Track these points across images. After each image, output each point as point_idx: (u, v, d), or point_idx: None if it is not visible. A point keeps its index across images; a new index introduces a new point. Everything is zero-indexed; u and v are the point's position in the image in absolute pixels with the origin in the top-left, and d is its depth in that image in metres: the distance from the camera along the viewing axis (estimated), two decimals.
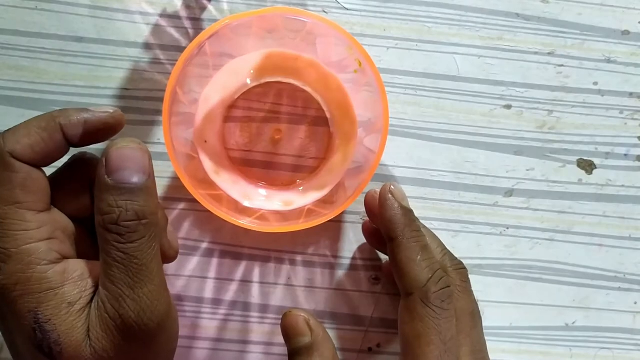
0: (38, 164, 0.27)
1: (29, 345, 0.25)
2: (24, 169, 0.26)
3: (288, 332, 0.29)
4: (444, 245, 0.32)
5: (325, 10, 0.36)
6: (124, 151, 0.25)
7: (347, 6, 0.36)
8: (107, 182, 0.25)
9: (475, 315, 0.31)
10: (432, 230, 0.33)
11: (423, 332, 0.29)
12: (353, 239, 0.36)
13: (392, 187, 0.30)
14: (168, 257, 0.31)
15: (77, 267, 0.26)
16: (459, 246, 0.36)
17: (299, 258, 0.36)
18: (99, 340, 0.25)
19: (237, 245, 0.36)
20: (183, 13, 0.36)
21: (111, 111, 0.28)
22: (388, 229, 0.30)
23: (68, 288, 0.26)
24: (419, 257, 0.29)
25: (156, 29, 0.36)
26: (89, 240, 0.30)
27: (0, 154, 0.26)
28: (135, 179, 0.25)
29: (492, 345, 0.36)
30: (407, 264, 0.29)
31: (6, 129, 0.34)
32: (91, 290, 0.26)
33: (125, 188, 0.25)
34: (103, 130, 0.27)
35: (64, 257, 0.27)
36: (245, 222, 0.31)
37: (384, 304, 0.36)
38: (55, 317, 0.25)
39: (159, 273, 0.26)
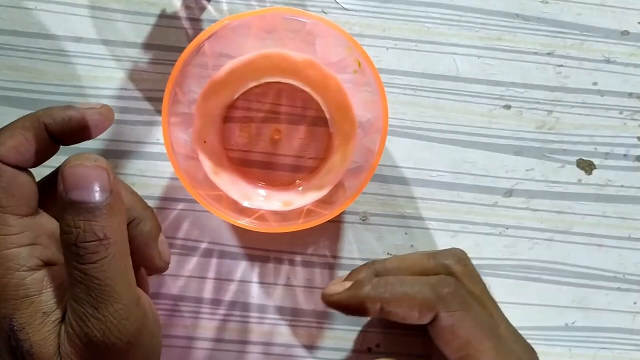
0: (24, 165, 0.26)
1: (6, 351, 0.25)
2: (8, 173, 0.25)
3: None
4: (424, 253, 0.33)
5: (325, 11, 0.36)
6: (78, 170, 0.23)
7: (346, 7, 0.36)
8: (65, 200, 0.23)
9: (488, 291, 0.32)
10: (431, 231, 0.34)
11: (471, 336, 0.30)
12: (353, 239, 0.36)
13: (330, 288, 0.32)
14: (157, 268, 0.30)
15: (59, 275, 0.26)
16: (458, 246, 0.36)
17: (298, 258, 0.36)
18: (68, 356, 0.24)
19: (236, 246, 0.36)
20: (182, 13, 0.36)
21: (98, 107, 0.27)
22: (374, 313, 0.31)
23: (45, 297, 0.25)
24: (409, 289, 0.30)
25: (156, 29, 0.36)
26: None
27: None
28: (93, 199, 0.23)
29: None
30: (409, 303, 0.30)
31: None
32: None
33: (83, 208, 0.23)
34: (91, 127, 0.27)
35: (48, 264, 0.26)
36: (244, 223, 0.31)
37: None
38: (29, 327, 0.25)
39: (128, 291, 0.25)
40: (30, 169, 0.27)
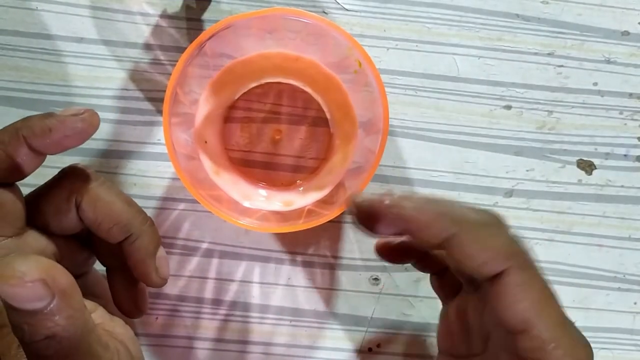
0: (7, 181, 0.25)
1: None
2: None
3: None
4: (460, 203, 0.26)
5: (325, 11, 0.36)
6: (4, 289, 0.20)
7: (347, 7, 0.36)
8: (4, 301, 0.20)
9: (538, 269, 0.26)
10: None
11: (539, 299, 0.23)
12: (353, 239, 0.36)
13: (356, 199, 0.25)
14: (153, 284, 0.29)
15: None
16: None
17: (299, 258, 0.36)
18: None
19: (237, 246, 0.36)
20: (183, 14, 0.36)
21: (80, 112, 0.25)
22: (431, 237, 0.24)
23: None
24: (489, 240, 0.24)
25: (156, 29, 0.36)
26: (84, 253, 0.29)
27: None
28: (30, 307, 0.20)
29: None
30: (478, 250, 0.24)
31: None
32: None
33: (22, 312, 0.20)
34: (73, 136, 0.25)
35: None
36: (245, 223, 0.31)
37: (384, 304, 0.36)
38: (4, 357, 0.24)
39: None
40: (16, 182, 0.26)
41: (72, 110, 0.25)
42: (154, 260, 0.29)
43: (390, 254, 0.30)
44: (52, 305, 0.21)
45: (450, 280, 0.30)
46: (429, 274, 0.31)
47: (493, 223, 0.25)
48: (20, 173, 0.25)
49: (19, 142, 0.25)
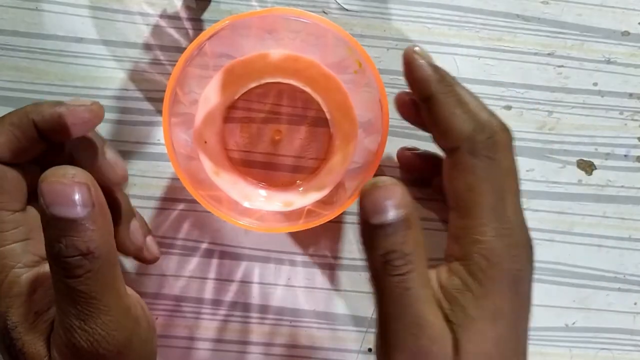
0: (13, 161, 0.26)
1: (3, 348, 0.25)
2: (2, 168, 0.26)
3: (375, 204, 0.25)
4: (487, 107, 0.29)
5: (325, 11, 0.36)
6: (54, 186, 0.22)
7: (347, 7, 0.36)
8: (46, 213, 0.22)
9: (516, 175, 0.28)
10: (432, 232, 0.33)
11: (475, 184, 0.27)
12: (353, 239, 0.36)
13: (415, 48, 0.28)
14: (144, 260, 0.32)
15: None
16: None
17: (298, 259, 0.36)
18: None
19: (236, 246, 0.36)
20: (183, 14, 0.36)
21: (88, 103, 0.27)
22: (420, 89, 0.28)
23: (38, 295, 0.25)
24: (458, 109, 0.27)
25: (156, 29, 0.36)
26: None
27: None
28: (74, 214, 0.22)
29: None
30: (449, 118, 0.27)
31: None
32: None
33: (64, 222, 0.22)
34: (80, 124, 0.26)
35: (42, 259, 0.26)
36: (245, 223, 0.31)
37: None
38: (21, 325, 0.25)
39: (116, 302, 0.24)
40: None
41: (80, 101, 0.27)
42: (127, 228, 0.31)
43: (403, 106, 0.31)
44: (90, 217, 0.22)
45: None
46: None
47: (483, 116, 0.27)
48: (26, 155, 0.27)
49: (29, 125, 0.26)
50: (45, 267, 0.26)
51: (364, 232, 0.25)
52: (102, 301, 0.23)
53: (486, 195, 0.26)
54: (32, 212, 0.27)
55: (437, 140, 0.29)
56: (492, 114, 0.28)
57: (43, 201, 0.22)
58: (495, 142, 0.27)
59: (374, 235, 0.25)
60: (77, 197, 0.22)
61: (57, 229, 0.22)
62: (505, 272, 0.26)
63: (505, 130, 0.28)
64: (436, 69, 0.28)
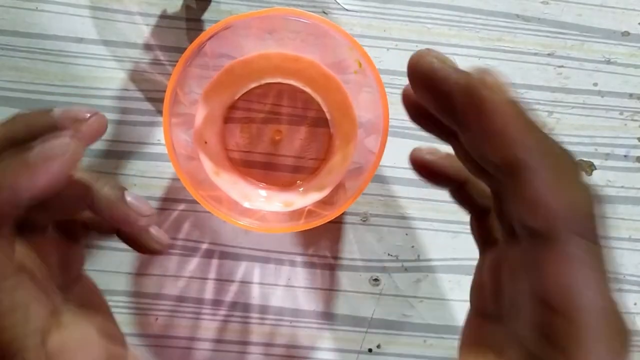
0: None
1: None
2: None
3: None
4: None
5: (326, 11, 0.36)
6: None
7: (347, 7, 0.36)
8: None
9: None
10: (432, 232, 0.33)
11: (581, 279, 0.17)
12: (353, 240, 0.36)
13: (483, 72, 0.19)
14: (151, 249, 0.27)
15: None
16: (459, 247, 0.36)
17: (298, 259, 0.36)
18: None
19: (237, 247, 0.36)
20: (183, 14, 0.36)
21: (86, 118, 0.23)
22: (499, 148, 0.18)
23: None
24: (561, 177, 0.18)
25: (156, 29, 0.36)
26: (73, 248, 0.26)
27: None
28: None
29: None
30: (551, 189, 0.18)
31: None
32: None
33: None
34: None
35: (51, 322, 0.22)
36: (245, 223, 0.31)
37: (384, 305, 0.36)
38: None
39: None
40: None
41: (75, 114, 0.23)
42: (124, 205, 0.25)
43: (425, 169, 0.24)
44: None
45: (491, 225, 0.24)
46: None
47: (576, 172, 0.18)
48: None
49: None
50: (53, 339, 0.22)
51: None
52: None
53: (594, 293, 0.18)
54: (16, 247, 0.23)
55: (515, 216, 0.19)
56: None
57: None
58: (598, 213, 0.18)
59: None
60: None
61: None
62: None
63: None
64: (520, 112, 0.18)
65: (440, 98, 0.19)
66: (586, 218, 0.18)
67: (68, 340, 0.22)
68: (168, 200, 0.36)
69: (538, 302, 0.19)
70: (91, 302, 0.27)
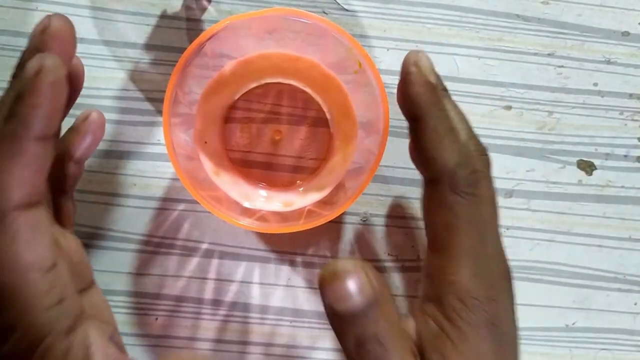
0: (33, 199, 0.22)
1: None
2: (30, 218, 0.22)
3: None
4: (471, 126, 0.27)
5: (326, 11, 0.36)
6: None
7: (347, 7, 0.36)
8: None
9: (495, 203, 0.27)
10: None
11: (453, 221, 0.25)
12: (353, 240, 0.36)
13: (418, 55, 0.27)
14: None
15: (84, 344, 0.23)
16: None
17: (299, 259, 0.36)
18: None
19: (237, 246, 0.36)
20: (183, 14, 0.36)
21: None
22: (410, 108, 0.26)
23: None
24: (447, 139, 0.26)
25: (156, 29, 0.36)
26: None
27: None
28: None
29: None
30: (434, 147, 0.26)
31: None
32: None
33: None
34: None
35: (76, 320, 0.23)
36: (245, 223, 0.31)
37: None
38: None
39: None
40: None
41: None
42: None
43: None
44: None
45: None
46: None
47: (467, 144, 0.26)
48: (44, 180, 0.24)
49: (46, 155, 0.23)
50: (78, 337, 0.23)
51: (331, 318, 0.23)
52: None
53: (465, 234, 0.25)
54: (61, 264, 0.23)
55: (418, 166, 0.28)
56: (477, 144, 0.27)
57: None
58: (478, 177, 0.26)
59: (342, 322, 0.23)
60: (353, 288, 0.22)
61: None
62: (483, 313, 0.25)
63: (485, 155, 0.27)
64: (433, 88, 0.26)
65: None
66: (457, 178, 0.25)
67: (89, 337, 0.23)
68: (168, 200, 0.36)
69: (431, 236, 0.27)
70: (103, 314, 0.28)
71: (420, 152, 0.27)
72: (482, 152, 0.27)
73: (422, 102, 0.26)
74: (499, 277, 0.26)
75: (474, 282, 0.25)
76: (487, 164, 0.27)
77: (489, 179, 0.27)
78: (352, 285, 0.22)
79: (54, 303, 0.22)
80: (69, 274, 0.24)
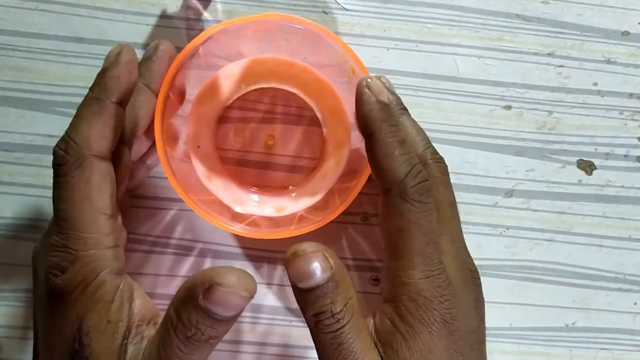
0: (109, 155, 0.27)
1: (65, 354, 0.25)
2: (102, 168, 0.27)
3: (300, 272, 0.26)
4: (428, 139, 0.31)
5: (325, 11, 0.36)
6: (231, 297, 0.24)
7: (347, 7, 0.36)
8: (200, 303, 0.24)
9: (453, 205, 0.31)
10: None
11: (404, 227, 0.27)
12: (353, 240, 0.36)
13: (367, 80, 0.29)
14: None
15: (130, 288, 0.27)
16: None
17: None
18: None
19: (231, 246, 0.36)
20: (183, 14, 0.36)
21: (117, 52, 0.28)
22: (364, 125, 0.28)
23: (115, 306, 0.26)
24: (397, 151, 0.28)
25: (156, 29, 0.36)
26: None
27: (80, 154, 0.26)
28: (227, 314, 0.24)
29: (492, 346, 0.36)
30: (385, 159, 0.28)
31: (6, 129, 0.34)
32: (135, 321, 0.26)
33: (212, 317, 0.24)
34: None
35: (123, 269, 0.27)
36: (236, 228, 0.31)
37: None
38: (93, 332, 0.25)
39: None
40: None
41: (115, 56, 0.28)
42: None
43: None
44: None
45: None
46: None
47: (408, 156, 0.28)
48: (114, 144, 0.28)
49: (109, 106, 0.28)
50: (126, 282, 0.27)
51: (296, 295, 0.26)
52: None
53: (414, 238, 0.27)
54: (119, 219, 0.29)
55: (375, 177, 0.29)
56: (433, 153, 0.31)
57: (205, 294, 0.24)
58: (426, 186, 0.28)
59: (304, 297, 0.26)
60: (240, 307, 0.24)
61: (202, 317, 0.24)
62: (434, 312, 0.27)
63: (441, 162, 0.30)
64: (383, 107, 0.28)
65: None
66: (406, 187, 0.27)
67: (134, 284, 0.27)
68: (163, 200, 0.36)
69: (386, 240, 0.29)
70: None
71: (375, 165, 0.28)
72: (439, 160, 0.31)
73: (372, 119, 0.28)
74: (455, 277, 0.28)
75: (425, 282, 0.27)
76: (444, 170, 0.31)
77: (445, 184, 0.31)
78: (311, 264, 0.25)
79: (112, 244, 0.26)
80: (120, 233, 0.28)
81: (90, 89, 0.28)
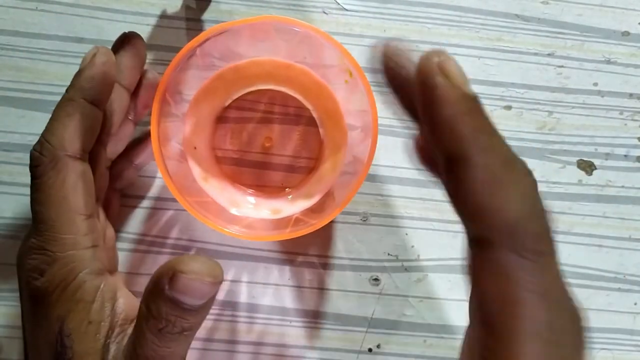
0: (83, 155, 0.27)
1: (50, 356, 0.25)
2: (78, 168, 0.26)
3: None
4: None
5: (325, 11, 0.36)
6: (195, 284, 0.23)
7: (346, 7, 0.36)
8: (167, 293, 0.23)
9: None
10: (432, 232, 0.33)
11: (514, 293, 0.18)
12: (353, 240, 0.36)
13: (442, 58, 0.18)
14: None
15: (111, 288, 0.26)
16: (460, 247, 0.36)
17: (300, 259, 0.36)
18: None
19: (228, 246, 0.36)
20: (183, 14, 0.36)
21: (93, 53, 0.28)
22: (446, 142, 0.18)
23: (96, 306, 0.26)
24: (505, 180, 0.18)
25: (156, 29, 0.36)
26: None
27: (54, 155, 0.26)
28: (194, 303, 0.23)
29: None
30: (488, 195, 0.18)
31: (6, 129, 0.34)
32: (118, 320, 0.26)
33: (181, 307, 0.23)
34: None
35: (105, 269, 0.27)
36: (232, 231, 0.31)
37: (384, 304, 0.36)
38: (75, 333, 0.25)
39: None
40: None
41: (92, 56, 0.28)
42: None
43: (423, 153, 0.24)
44: (205, 304, 0.24)
45: None
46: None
47: (526, 176, 0.18)
48: (90, 144, 0.29)
49: (84, 107, 0.28)
50: (107, 281, 0.26)
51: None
52: None
53: (531, 310, 0.18)
54: (101, 218, 0.29)
55: (460, 217, 0.19)
56: (528, 171, 0.19)
57: (170, 284, 0.23)
58: (546, 227, 0.18)
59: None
60: (208, 294, 0.24)
61: (171, 308, 0.23)
62: None
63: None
64: (474, 105, 0.18)
65: (399, 83, 0.20)
66: (521, 234, 0.18)
67: (118, 283, 0.27)
68: (161, 200, 0.36)
69: (481, 311, 0.19)
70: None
71: (464, 202, 0.19)
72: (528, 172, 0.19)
73: (463, 131, 0.18)
74: (573, 352, 0.19)
75: None
76: (534, 185, 0.19)
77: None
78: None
79: (90, 245, 0.26)
80: (101, 233, 0.27)
81: (66, 90, 0.28)
